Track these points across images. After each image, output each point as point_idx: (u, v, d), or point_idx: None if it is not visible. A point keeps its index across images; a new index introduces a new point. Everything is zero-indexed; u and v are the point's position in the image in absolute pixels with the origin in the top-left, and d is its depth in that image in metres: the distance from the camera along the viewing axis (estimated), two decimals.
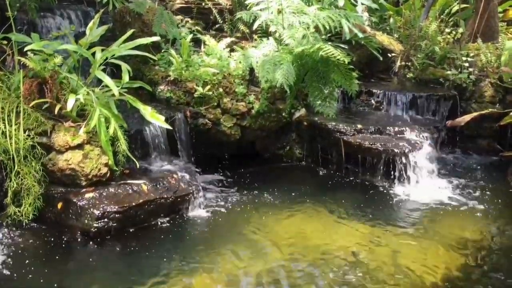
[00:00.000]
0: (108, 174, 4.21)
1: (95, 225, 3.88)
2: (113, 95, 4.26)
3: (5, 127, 3.89)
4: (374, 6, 6.67)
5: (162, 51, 5.55)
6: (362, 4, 6.39)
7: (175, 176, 4.49)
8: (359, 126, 5.36)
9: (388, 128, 5.39)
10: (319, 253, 3.84)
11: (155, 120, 4.40)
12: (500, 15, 7.38)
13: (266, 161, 5.71)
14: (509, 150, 5.85)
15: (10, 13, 4.50)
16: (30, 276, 3.47)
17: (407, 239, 4.10)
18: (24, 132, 3.97)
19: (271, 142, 5.74)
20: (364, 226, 4.29)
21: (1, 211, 4.02)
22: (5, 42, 4.54)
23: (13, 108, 4.03)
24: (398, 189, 5.03)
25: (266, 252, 3.85)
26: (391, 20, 7.18)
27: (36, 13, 5.73)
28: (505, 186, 5.21)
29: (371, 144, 5.11)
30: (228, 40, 5.89)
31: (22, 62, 4.20)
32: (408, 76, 6.48)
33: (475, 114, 5.79)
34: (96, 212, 3.89)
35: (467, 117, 5.72)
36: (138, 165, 4.33)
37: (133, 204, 4.05)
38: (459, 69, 6.20)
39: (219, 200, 4.71)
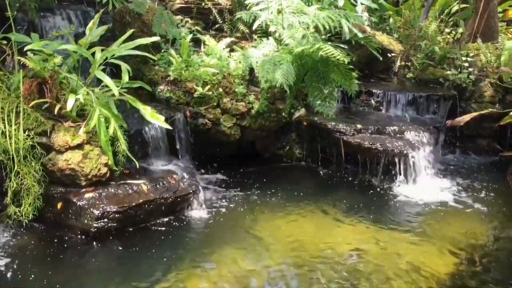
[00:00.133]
0: (108, 174, 4.21)
1: (94, 225, 3.88)
2: (113, 95, 4.26)
3: (5, 127, 3.89)
4: (374, 6, 6.68)
5: (162, 51, 5.55)
6: (362, 4, 6.39)
7: (175, 176, 4.49)
8: (359, 126, 5.36)
9: (387, 128, 5.39)
10: (319, 253, 3.84)
11: (155, 120, 4.40)
12: (500, 15, 7.38)
13: (266, 161, 5.72)
14: (508, 150, 5.85)
15: (10, 13, 4.50)
16: (29, 276, 3.47)
17: (407, 239, 4.10)
18: (24, 132, 3.97)
19: (271, 142, 5.75)
20: (364, 226, 4.30)
21: (1, 211, 4.03)
22: (4, 42, 4.54)
23: (13, 108, 4.03)
24: (398, 189, 5.03)
25: (266, 252, 3.85)
26: (391, 20, 7.18)
27: (36, 13, 5.73)
28: (505, 186, 5.20)
29: (371, 144, 5.11)
30: (228, 40, 5.89)
31: (22, 62, 4.20)
32: (408, 76, 6.48)
33: (474, 114, 5.79)
34: (96, 212, 3.89)
35: (466, 117, 5.72)
36: (138, 165, 4.33)
37: (133, 204, 4.05)
38: (459, 69, 6.20)
39: (219, 200, 4.71)
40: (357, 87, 5.58)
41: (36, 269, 3.53)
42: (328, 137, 5.38)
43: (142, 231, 4.07)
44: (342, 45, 5.86)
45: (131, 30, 4.76)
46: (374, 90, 6.06)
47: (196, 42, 5.77)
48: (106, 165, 4.19)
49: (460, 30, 6.81)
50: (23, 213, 3.89)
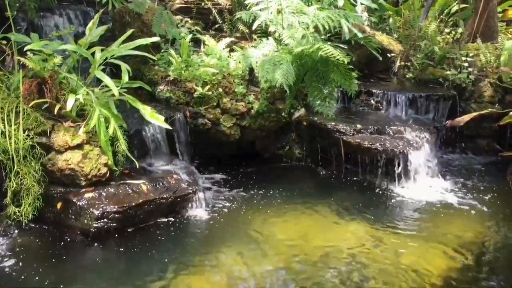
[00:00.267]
0: (107, 174, 4.20)
1: (94, 225, 3.88)
2: (113, 95, 4.26)
3: (4, 127, 3.89)
4: (374, 6, 6.68)
5: (162, 51, 5.55)
6: (362, 4, 6.40)
7: (174, 176, 4.49)
8: (359, 126, 5.36)
9: (387, 128, 5.39)
10: (318, 253, 3.84)
11: (155, 120, 4.40)
12: (500, 15, 7.39)
13: (265, 161, 5.72)
14: (508, 150, 5.85)
15: (9, 13, 4.49)
16: (29, 276, 3.46)
17: (407, 239, 4.10)
18: (24, 132, 3.97)
19: (270, 142, 5.75)
20: (364, 226, 4.30)
21: (1, 211, 4.03)
22: (4, 42, 4.53)
23: (13, 108, 4.02)
24: (398, 189, 5.03)
25: (266, 252, 3.85)
26: (391, 20, 7.18)
27: (36, 13, 5.73)
28: (505, 186, 5.21)
29: (371, 144, 5.11)
30: (227, 40, 5.89)
31: (21, 62, 4.19)
32: (407, 76, 6.49)
33: (474, 114, 5.79)
34: (96, 212, 3.89)
35: (466, 117, 5.72)
36: (137, 165, 4.32)
37: (133, 204, 4.04)
38: (459, 69, 6.21)
39: (218, 200, 4.71)
40: (356, 87, 5.59)
41: (35, 269, 3.53)
42: (328, 137, 5.38)
43: (142, 231, 4.07)
44: (342, 45, 5.87)
45: (131, 30, 4.75)
46: (374, 90, 6.07)
47: (196, 42, 5.77)
48: (106, 165, 4.19)
49: (460, 30, 6.81)
50: (23, 213, 3.88)
